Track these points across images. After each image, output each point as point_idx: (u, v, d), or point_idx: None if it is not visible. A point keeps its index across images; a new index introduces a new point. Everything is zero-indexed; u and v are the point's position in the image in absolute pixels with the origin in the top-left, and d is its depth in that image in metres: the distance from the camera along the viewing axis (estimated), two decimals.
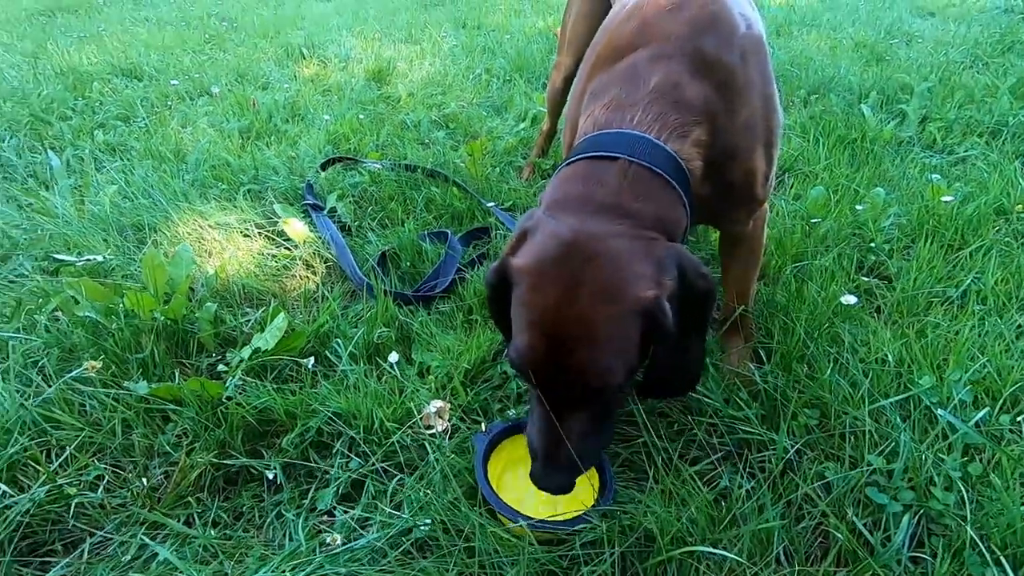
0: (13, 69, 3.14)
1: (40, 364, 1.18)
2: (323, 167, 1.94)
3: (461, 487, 0.93)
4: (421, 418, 1.06)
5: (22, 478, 0.98)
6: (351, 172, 1.94)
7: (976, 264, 1.37)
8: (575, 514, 0.86)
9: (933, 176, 1.77)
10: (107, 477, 1.00)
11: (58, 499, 0.95)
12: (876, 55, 2.99)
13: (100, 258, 1.43)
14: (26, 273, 1.48)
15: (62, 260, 1.42)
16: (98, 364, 1.04)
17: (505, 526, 0.85)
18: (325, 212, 1.70)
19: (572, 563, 0.82)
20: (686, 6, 0.90)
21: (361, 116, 2.41)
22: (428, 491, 0.92)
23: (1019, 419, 0.98)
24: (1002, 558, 0.76)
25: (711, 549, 0.77)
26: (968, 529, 0.78)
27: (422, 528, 0.87)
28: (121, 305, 1.21)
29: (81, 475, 1.00)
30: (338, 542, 0.85)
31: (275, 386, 1.13)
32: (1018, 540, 0.79)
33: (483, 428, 1.03)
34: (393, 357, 1.17)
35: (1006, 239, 1.48)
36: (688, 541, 0.82)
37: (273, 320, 1.22)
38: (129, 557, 0.89)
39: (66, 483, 0.97)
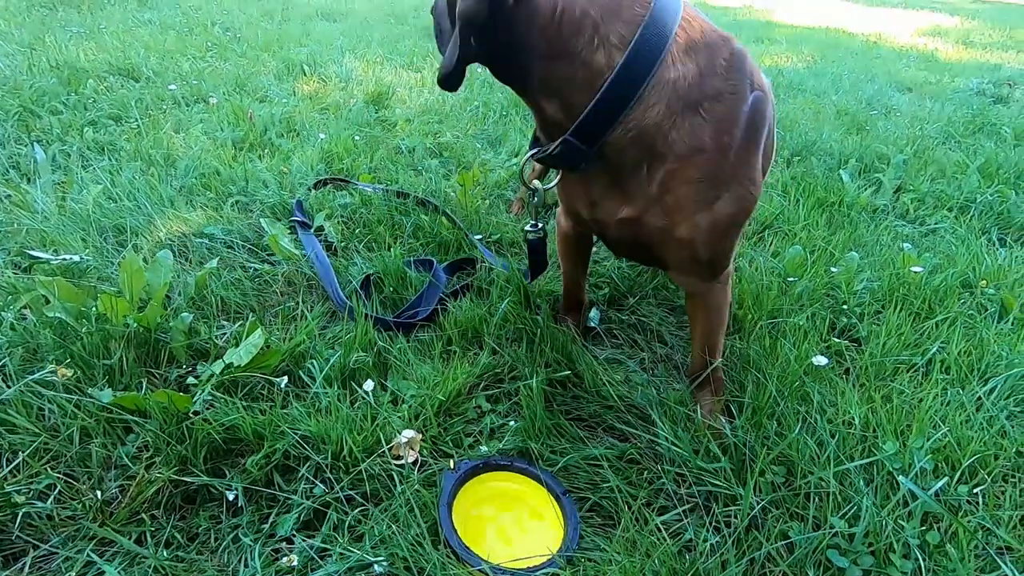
0: (7, 58, 3.11)
1: (1, 363, 1.14)
2: (315, 186, 1.94)
3: (426, 522, 0.91)
4: (391, 448, 1.05)
5: None
6: (342, 192, 1.95)
7: (942, 334, 1.42)
8: (539, 559, 0.85)
9: (905, 245, 1.85)
10: (59, 487, 0.96)
11: (3, 507, 0.92)
12: (857, 124, 3.13)
13: (77, 258, 1.40)
14: None
15: (37, 257, 1.39)
16: (68, 372, 1.01)
17: (466, 569, 0.84)
18: (312, 230, 1.69)
19: None
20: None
21: (357, 137, 2.43)
22: (392, 524, 0.90)
23: (975, 491, 1.01)
24: None
25: None
26: None
27: (381, 564, 0.85)
28: (94, 308, 1.18)
29: (32, 483, 0.97)
30: (295, 563, 0.82)
31: (244, 404, 1.11)
32: None
33: (452, 465, 1.02)
34: (368, 385, 1.16)
35: (970, 311, 1.54)
36: None
37: (249, 336, 1.20)
38: (73, 574, 0.85)
39: (14, 490, 0.93)
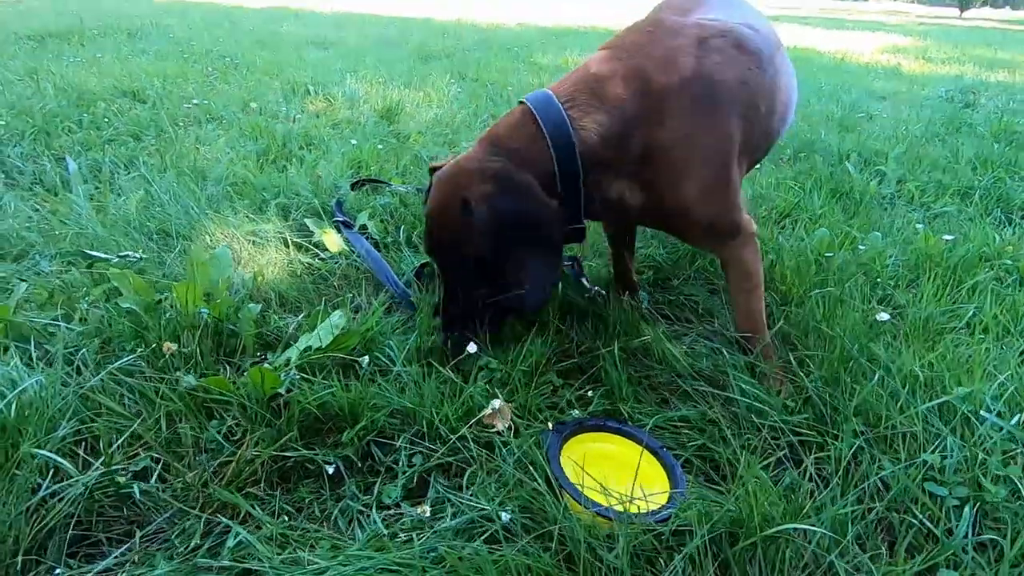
0: (8, 86, 3.09)
1: (79, 353, 1.13)
2: (353, 187, 1.97)
3: (539, 477, 0.93)
4: (484, 417, 1.06)
5: (65, 469, 0.92)
6: (377, 195, 1.98)
7: (974, 300, 1.50)
8: (658, 502, 0.88)
9: (918, 226, 1.94)
10: (156, 469, 0.96)
11: (107, 487, 0.90)
12: (845, 126, 3.29)
13: (137, 256, 1.40)
14: (44, 271, 1.43)
15: (96, 256, 1.38)
16: (173, 346, 1.01)
17: (584, 515, 0.85)
18: (356, 229, 1.71)
19: (666, 549, 0.83)
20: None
21: (380, 146, 2.47)
22: (513, 475, 0.91)
23: None
24: None
25: (804, 526, 0.80)
26: None
27: (507, 510, 0.86)
28: (170, 298, 1.18)
29: (128, 466, 0.96)
30: (427, 513, 0.83)
31: (330, 384, 1.11)
32: None
33: (550, 426, 1.04)
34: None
35: (993, 281, 1.62)
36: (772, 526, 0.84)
37: (326, 319, 1.21)
38: (193, 544, 0.84)
39: (115, 470, 0.92)
